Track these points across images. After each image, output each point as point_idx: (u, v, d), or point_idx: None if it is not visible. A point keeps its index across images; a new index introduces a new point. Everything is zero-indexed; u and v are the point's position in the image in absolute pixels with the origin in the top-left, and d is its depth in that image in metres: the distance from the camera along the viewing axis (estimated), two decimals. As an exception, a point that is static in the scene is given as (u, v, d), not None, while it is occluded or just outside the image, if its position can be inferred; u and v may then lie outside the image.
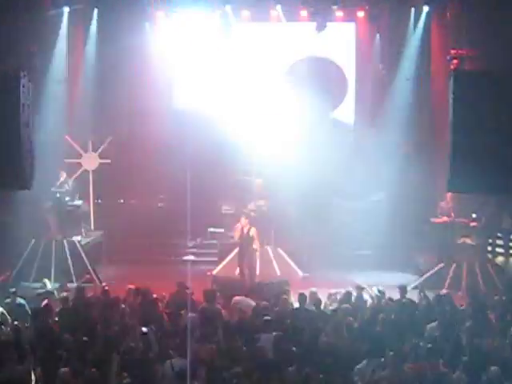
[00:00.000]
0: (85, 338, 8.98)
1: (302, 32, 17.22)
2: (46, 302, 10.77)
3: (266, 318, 9.76)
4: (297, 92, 17.21)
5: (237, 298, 11.42)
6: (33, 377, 8.29)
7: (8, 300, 11.09)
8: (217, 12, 16.54)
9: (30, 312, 10.51)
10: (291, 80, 17.49)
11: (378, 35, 17.14)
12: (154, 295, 11.01)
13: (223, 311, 10.70)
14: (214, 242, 16.68)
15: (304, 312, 10.60)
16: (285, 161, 16.82)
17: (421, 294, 11.42)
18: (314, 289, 11.37)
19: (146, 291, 11.06)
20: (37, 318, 9.97)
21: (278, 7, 16.89)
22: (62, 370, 8.04)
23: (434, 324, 9.75)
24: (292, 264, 15.62)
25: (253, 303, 11.23)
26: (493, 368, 7.97)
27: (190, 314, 9.91)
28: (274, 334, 9.22)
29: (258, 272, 14.59)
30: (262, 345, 8.93)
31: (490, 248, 15.59)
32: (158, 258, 16.22)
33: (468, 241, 14.86)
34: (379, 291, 11.46)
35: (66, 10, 16.67)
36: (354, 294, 11.56)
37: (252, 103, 17.44)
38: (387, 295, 11.50)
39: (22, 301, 11.02)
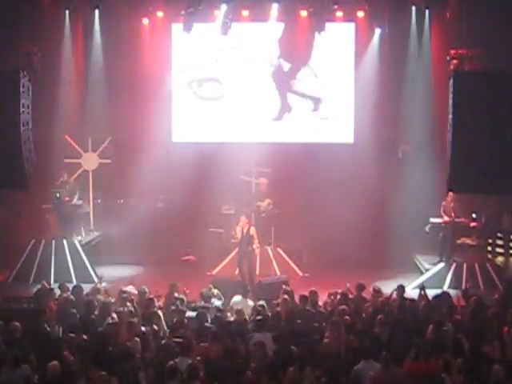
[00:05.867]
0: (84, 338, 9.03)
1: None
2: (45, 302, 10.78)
3: (259, 317, 9.76)
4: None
5: (235, 298, 11.41)
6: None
7: None
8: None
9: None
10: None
11: (377, 35, 17.11)
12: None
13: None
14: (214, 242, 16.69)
15: (304, 312, 10.60)
16: (285, 160, 16.88)
17: (421, 292, 11.42)
18: (313, 289, 11.36)
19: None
20: (36, 318, 9.98)
21: (278, 7, 16.84)
22: (52, 363, 8.04)
23: (433, 324, 9.75)
24: (292, 264, 15.62)
25: (251, 303, 11.26)
26: (495, 367, 7.96)
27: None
28: (271, 334, 9.26)
29: (257, 272, 14.61)
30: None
31: (490, 248, 15.59)
32: (158, 257, 16.22)
33: (468, 241, 14.86)
34: (375, 290, 11.45)
35: (66, 9, 16.71)
36: (354, 293, 11.56)
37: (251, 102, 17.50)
38: (386, 295, 11.52)
39: None
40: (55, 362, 8.06)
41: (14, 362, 8.19)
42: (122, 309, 10.42)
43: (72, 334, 9.20)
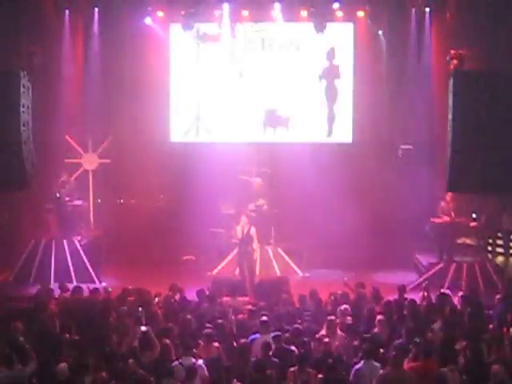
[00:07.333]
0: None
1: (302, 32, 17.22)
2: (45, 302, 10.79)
3: (263, 318, 9.73)
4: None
5: (226, 298, 11.40)
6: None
7: None
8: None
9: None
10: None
11: (377, 35, 17.12)
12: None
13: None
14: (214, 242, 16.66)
15: (304, 312, 10.61)
16: (285, 160, 16.88)
17: (425, 293, 11.42)
18: (314, 289, 11.37)
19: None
20: (37, 319, 9.99)
21: (278, 7, 16.82)
22: (61, 365, 8.06)
23: (433, 324, 9.75)
24: (292, 264, 15.62)
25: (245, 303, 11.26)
26: (495, 367, 7.97)
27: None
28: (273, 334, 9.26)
29: (257, 272, 14.60)
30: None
31: (490, 248, 15.59)
32: (158, 257, 16.21)
33: (468, 241, 14.85)
34: (375, 290, 11.44)
35: (67, 10, 16.72)
36: (352, 288, 11.57)
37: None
38: (387, 295, 11.52)
39: None
40: (64, 364, 8.07)
41: (9, 363, 8.21)
42: (122, 309, 10.42)
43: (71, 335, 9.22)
